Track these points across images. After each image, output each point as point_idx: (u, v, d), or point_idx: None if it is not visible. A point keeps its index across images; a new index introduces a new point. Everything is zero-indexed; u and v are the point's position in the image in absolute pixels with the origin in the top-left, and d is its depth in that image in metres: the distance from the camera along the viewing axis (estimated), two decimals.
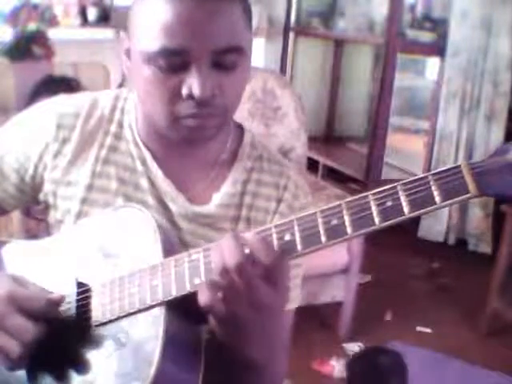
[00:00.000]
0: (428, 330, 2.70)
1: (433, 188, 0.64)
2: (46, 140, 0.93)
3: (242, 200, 0.95)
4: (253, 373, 0.80)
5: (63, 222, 0.95)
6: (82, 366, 0.80)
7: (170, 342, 0.74)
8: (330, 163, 3.89)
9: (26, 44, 2.97)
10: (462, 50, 3.36)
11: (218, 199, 0.94)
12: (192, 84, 0.79)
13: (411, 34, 3.54)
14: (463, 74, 3.40)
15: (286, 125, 2.60)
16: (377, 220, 0.66)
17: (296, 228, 0.69)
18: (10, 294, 0.78)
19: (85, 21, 3.58)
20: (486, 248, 3.48)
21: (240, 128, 1.00)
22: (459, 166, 0.64)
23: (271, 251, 0.69)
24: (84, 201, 0.93)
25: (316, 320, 2.60)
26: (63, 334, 0.80)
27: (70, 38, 3.36)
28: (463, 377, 2.41)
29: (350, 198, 0.68)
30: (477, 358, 2.49)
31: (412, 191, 0.65)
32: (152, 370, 0.73)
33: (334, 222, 0.67)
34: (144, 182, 0.93)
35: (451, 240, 3.60)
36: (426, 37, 3.53)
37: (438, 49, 3.46)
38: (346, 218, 0.67)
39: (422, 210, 0.65)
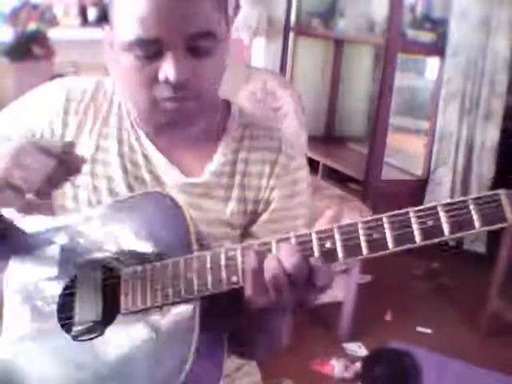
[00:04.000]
0: (428, 330, 2.70)
1: (472, 212, 0.66)
2: (56, 110, 1.00)
3: (234, 168, 0.99)
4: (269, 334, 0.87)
5: (70, 197, 0.99)
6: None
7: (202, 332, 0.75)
8: (329, 163, 3.88)
9: (26, 44, 2.96)
10: (462, 50, 3.35)
11: (212, 168, 0.98)
12: (167, 69, 0.85)
13: (411, 33, 3.53)
14: (463, 74, 3.39)
15: (286, 125, 2.59)
16: (418, 238, 0.69)
17: (337, 237, 0.71)
18: (27, 142, 0.81)
19: (85, 21, 3.57)
20: (480, 248, 3.47)
21: (227, 102, 1.05)
22: (498, 193, 0.66)
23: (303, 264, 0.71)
24: (89, 174, 0.98)
25: (316, 320, 2.59)
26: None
27: (70, 38, 3.35)
28: (463, 377, 2.41)
29: (391, 213, 0.70)
30: (477, 358, 2.49)
31: (452, 213, 0.67)
32: (190, 355, 0.73)
33: (376, 235, 0.70)
34: (140, 159, 0.98)
35: (451, 240, 3.60)
36: (425, 37, 3.53)
37: (438, 49, 3.45)
38: (388, 233, 0.69)
39: (461, 233, 0.67)
